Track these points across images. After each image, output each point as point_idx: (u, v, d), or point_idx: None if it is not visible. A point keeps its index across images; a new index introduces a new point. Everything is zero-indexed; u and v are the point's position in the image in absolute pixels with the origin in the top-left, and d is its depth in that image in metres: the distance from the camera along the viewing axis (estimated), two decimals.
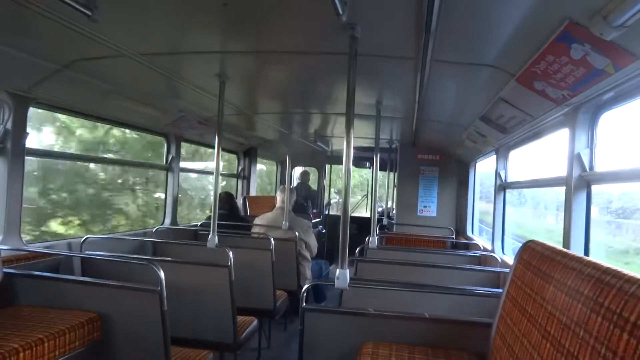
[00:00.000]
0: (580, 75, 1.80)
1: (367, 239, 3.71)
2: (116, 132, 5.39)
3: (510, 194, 4.16)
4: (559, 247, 1.63)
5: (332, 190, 9.24)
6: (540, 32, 1.70)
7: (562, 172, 2.41)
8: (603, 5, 1.33)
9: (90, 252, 3.07)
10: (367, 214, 9.24)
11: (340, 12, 1.61)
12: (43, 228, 4.67)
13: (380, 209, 7.90)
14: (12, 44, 2.22)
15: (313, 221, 5.85)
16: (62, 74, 2.60)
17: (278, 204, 4.78)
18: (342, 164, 2.18)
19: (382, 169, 7.24)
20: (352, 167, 2.20)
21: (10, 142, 2.73)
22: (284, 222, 4.43)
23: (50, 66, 2.52)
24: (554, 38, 1.66)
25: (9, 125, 2.72)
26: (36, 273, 2.54)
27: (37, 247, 3.01)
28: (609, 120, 2.21)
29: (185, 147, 5.41)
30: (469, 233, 5.52)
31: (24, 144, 2.82)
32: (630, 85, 1.78)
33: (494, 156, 4.10)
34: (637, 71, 1.62)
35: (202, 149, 6.64)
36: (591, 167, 2.24)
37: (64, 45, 2.29)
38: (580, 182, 2.27)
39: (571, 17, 1.50)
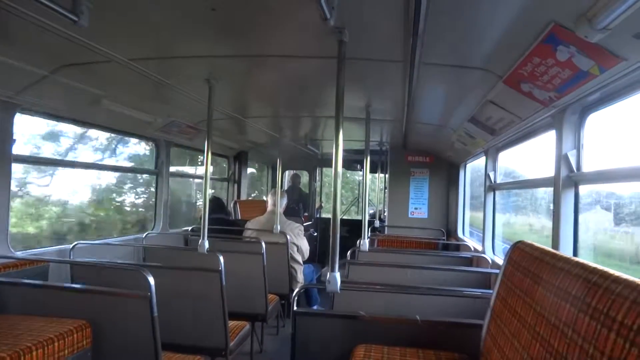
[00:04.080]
0: (566, 77, 1.83)
1: (358, 241, 3.71)
2: None
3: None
4: (548, 247, 1.64)
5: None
6: (526, 35, 1.72)
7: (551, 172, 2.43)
8: (588, 8, 1.35)
9: (79, 259, 3.04)
10: (359, 217, 9.24)
11: (328, 16, 1.61)
12: None
13: (371, 211, 7.92)
14: None
15: (304, 224, 5.84)
16: (49, 79, 2.57)
17: (269, 207, 4.76)
18: (332, 166, 2.18)
19: (373, 171, 7.25)
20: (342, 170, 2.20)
21: None
22: (275, 226, 4.42)
23: (37, 72, 2.49)
24: (540, 40, 1.68)
25: None
26: (24, 281, 2.51)
27: (26, 255, 2.98)
28: (596, 121, 2.24)
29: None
30: (459, 234, 5.55)
31: (11, 151, 2.79)
32: (615, 86, 1.81)
33: (484, 157, 4.13)
34: (622, 73, 1.64)
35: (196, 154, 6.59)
36: (578, 168, 2.26)
37: (51, 51, 2.27)
38: (568, 183, 2.30)
39: (556, 19, 1.51)
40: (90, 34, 2.01)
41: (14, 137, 2.81)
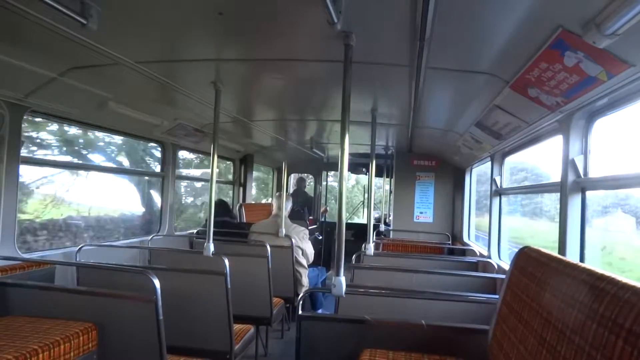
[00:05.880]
0: (574, 83, 1.82)
1: (363, 245, 3.71)
2: None
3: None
4: (554, 253, 1.63)
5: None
6: (534, 40, 1.71)
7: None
8: (596, 14, 1.35)
9: (85, 261, 3.05)
10: (364, 221, 9.22)
11: (335, 20, 1.62)
12: None
13: (376, 215, 7.90)
14: (6, 53, 2.21)
15: (309, 228, 5.83)
16: (58, 82, 2.59)
17: (274, 211, 4.77)
18: (338, 170, 2.18)
19: (379, 175, 7.24)
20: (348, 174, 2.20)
21: (5, 150, 2.72)
22: (280, 229, 4.42)
23: (46, 74, 2.52)
24: (548, 46, 1.68)
25: (4, 134, 2.72)
26: (31, 283, 2.52)
27: (32, 257, 3.00)
28: (603, 126, 2.23)
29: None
30: (465, 239, 5.53)
31: (19, 153, 2.81)
32: (623, 92, 1.80)
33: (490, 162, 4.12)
34: (630, 78, 1.63)
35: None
36: (585, 173, 2.25)
37: (59, 54, 2.30)
38: (574, 188, 2.28)
39: (564, 25, 1.51)
40: (99, 36, 2.03)
41: (22, 140, 2.84)
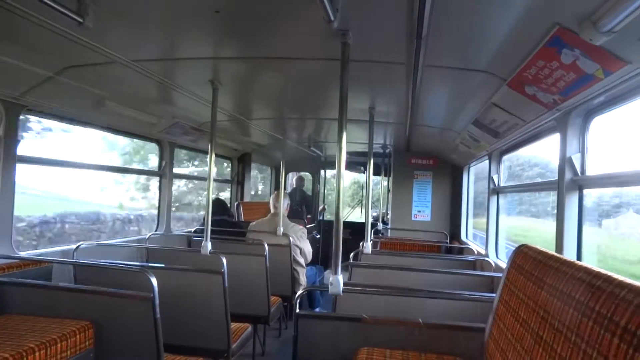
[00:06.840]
0: (571, 80, 1.82)
1: (361, 244, 3.71)
2: None
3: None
4: (552, 251, 1.63)
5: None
6: (531, 38, 1.71)
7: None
8: (592, 11, 1.35)
9: (82, 260, 3.05)
10: (362, 219, 9.22)
11: (332, 18, 1.62)
12: None
13: (374, 214, 7.90)
14: (2, 51, 2.21)
15: (307, 227, 5.82)
16: (54, 80, 2.59)
17: (272, 209, 4.77)
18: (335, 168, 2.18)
19: (376, 173, 7.25)
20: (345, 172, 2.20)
21: (1, 149, 2.71)
22: (278, 228, 4.42)
23: (42, 73, 2.51)
24: (545, 43, 1.67)
25: (0, 133, 2.71)
26: (28, 281, 2.52)
27: (29, 255, 2.99)
28: (601, 124, 2.23)
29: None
30: (463, 238, 5.53)
31: (16, 151, 2.80)
32: (620, 89, 1.80)
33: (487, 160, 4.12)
34: (627, 76, 1.63)
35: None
36: (583, 171, 2.25)
37: (56, 52, 2.29)
38: (571, 186, 2.28)
39: (561, 22, 1.51)
40: (95, 35, 2.02)
41: (18, 138, 2.83)
